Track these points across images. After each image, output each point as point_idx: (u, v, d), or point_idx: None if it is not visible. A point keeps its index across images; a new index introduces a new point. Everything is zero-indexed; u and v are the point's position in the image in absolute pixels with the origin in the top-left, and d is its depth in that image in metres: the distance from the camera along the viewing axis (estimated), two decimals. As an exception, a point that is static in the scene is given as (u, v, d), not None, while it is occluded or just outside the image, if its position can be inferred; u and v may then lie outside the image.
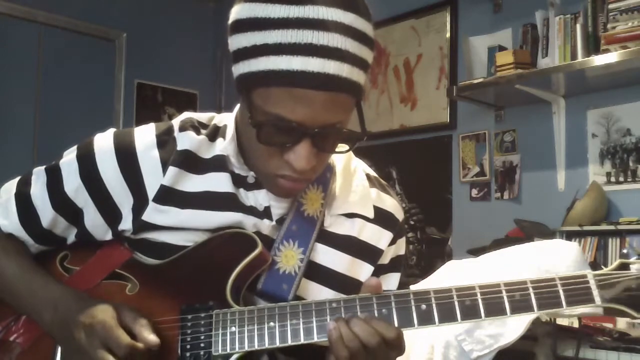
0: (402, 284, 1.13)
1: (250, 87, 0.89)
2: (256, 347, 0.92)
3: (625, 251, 2.45)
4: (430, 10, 3.58)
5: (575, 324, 2.21)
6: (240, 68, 0.90)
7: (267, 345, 0.91)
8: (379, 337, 0.88)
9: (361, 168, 1.14)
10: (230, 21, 0.91)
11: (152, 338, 0.91)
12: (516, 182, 3.17)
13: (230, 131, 1.02)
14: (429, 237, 3.50)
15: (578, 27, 2.76)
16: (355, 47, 0.87)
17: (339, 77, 0.86)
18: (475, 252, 2.61)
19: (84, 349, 0.91)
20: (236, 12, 0.90)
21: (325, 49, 0.84)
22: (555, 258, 2.03)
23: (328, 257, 1.03)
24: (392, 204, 1.12)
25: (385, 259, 1.10)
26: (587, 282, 0.90)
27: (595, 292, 0.89)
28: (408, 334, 0.93)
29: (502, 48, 3.08)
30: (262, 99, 0.88)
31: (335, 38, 0.85)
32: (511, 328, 1.93)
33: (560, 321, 2.21)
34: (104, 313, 0.93)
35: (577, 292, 0.90)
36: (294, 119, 0.87)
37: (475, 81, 3.05)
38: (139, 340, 0.91)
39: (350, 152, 1.06)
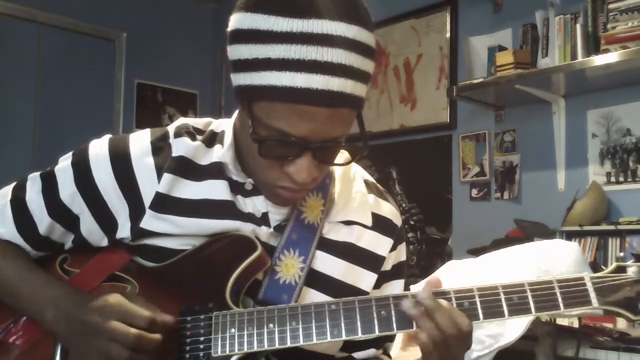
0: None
1: (251, 99, 0.88)
2: (255, 349, 0.92)
3: (621, 254, 2.46)
4: (430, 10, 3.57)
5: (575, 324, 2.21)
6: (241, 79, 0.89)
7: (266, 348, 0.91)
8: (457, 328, 0.88)
9: (359, 174, 1.13)
10: (230, 29, 0.90)
11: (168, 317, 0.92)
12: (516, 182, 3.17)
13: (229, 138, 1.01)
14: (429, 237, 3.50)
15: (578, 27, 2.75)
16: (358, 62, 0.86)
17: (342, 94, 0.85)
18: (475, 252, 2.61)
19: (98, 330, 0.90)
20: (237, 21, 0.88)
21: (330, 65, 0.83)
22: (555, 258, 2.03)
23: (327, 264, 1.03)
24: (389, 210, 1.11)
25: (386, 266, 1.10)
26: (585, 284, 0.91)
27: (593, 295, 0.90)
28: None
29: (502, 48, 3.08)
30: (264, 112, 0.87)
31: (340, 54, 0.84)
32: (511, 328, 1.93)
33: (560, 321, 2.21)
34: (117, 296, 0.93)
35: (575, 294, 0.90)
36: (296, 134, 0.87)
37: (475, 81, 3.05)
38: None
39: None
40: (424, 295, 0.91)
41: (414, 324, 0.91)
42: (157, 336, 0.91)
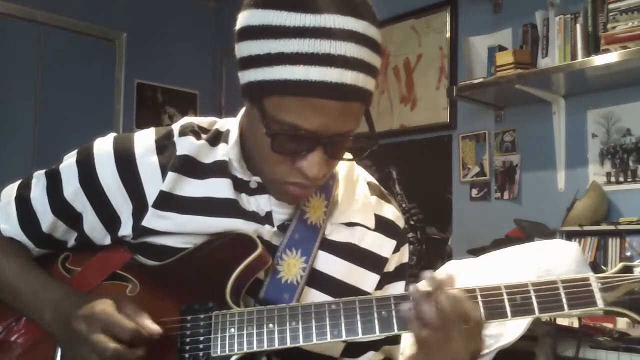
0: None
1: (262, 94, 0.88)
2: (255, 349, 0.91)
3: (628, 254, 2.45)
4: (430, 10, 3.57)
5: (575, 324, 2.21)
6: (251, 75, 0.89)
7: (266, 348, 0.91)
8: (460, 314, 0.85)
9: (363, 176, 1.13)
10: (238, 27, 0.90)
11: (154, 327, 0.91)
12: (516, 182, 3.17)
13: (234, 136, 1.01)
14: (429, 237, 3.50)
15: (578, 27, 2.75)
16: (368, 56, 0.87)
17: (355, 87, 0.86)
18: (475, 252, 2.61)
19: (83, 339, 0.90)
20: (246, 18, 0.89)
21: (343, 59, 0.84)
22: (556, 258, 2.03)
23: (329, 264, 1.03)
24: (392, 212, 1.11)
25: (389, 267, 1.09)
26: (590, 285, 0.88)
27: (598, 295, 0.87)
28: (408, 336, 0.92)
29: (502, 48, 3.08)
30: (276, 107, 0.87)
31: (352, 47, 0.85)
32: (511, 328, 1.92)
33: (560, 321, 2.21)
34: (104, 304, 0.93)
35: (580, 295, 0.88)
36: (309, 128, 0.87)
37: (475, 81, 3.05)
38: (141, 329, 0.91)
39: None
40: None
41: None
42: (137, 353, 0.90)
